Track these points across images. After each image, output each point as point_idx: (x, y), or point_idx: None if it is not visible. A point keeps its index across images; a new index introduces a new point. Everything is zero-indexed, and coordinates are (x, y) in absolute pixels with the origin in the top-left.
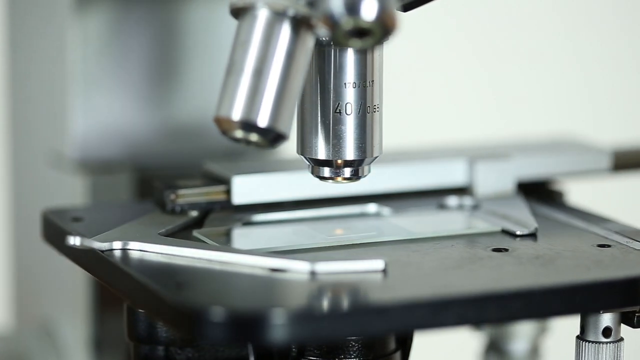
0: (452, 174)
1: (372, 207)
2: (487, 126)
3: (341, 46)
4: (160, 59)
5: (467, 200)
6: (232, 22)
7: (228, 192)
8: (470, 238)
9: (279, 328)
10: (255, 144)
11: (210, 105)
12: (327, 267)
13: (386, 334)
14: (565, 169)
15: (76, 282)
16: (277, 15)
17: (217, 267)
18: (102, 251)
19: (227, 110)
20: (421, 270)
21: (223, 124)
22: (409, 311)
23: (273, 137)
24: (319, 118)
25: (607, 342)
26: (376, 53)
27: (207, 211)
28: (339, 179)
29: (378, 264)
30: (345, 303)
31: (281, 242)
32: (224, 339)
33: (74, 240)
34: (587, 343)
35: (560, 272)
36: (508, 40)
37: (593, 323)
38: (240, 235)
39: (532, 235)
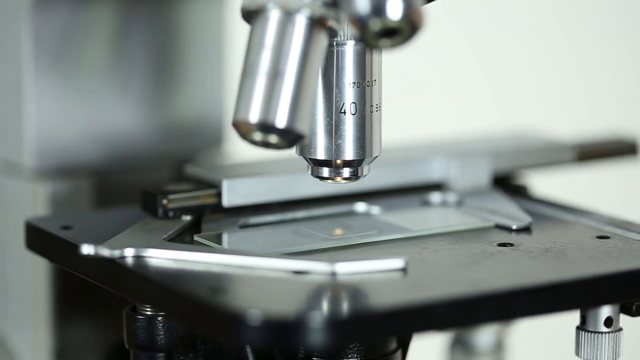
0: (427, 171)
1: (360, 206)
2: (439, 121)
3: (372, 47)
4: (114, 62)
5: (451, 197)
6: (180, 24)
7: (218, 195)
8: (469, 234)
9: (319, 331)
10: (275, 145)
11: (164, 110)
12: (350, 268)
13: (426, 333)
14: (534, 161)
15: (34, 290)
16: (291, 16)
17: (240, 271)
18: (114, 259)
19: (244, 113)
20: (441, 268)
21: (241, 128)
22: (450, 309)
23: (293, 137)
24: (323, 118)
25: (607, 332)
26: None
27: (198, 215)
28: (339, 179)
29: (398, 263)
30: (383, 303)
31: (288, 244)
32: (265, 342)
33: (89, 249)
34: (587, 333)
35: (578, 265)
36: (472, 37)
37: (593, 314)
38: (243, 238)
39: (527, 229)
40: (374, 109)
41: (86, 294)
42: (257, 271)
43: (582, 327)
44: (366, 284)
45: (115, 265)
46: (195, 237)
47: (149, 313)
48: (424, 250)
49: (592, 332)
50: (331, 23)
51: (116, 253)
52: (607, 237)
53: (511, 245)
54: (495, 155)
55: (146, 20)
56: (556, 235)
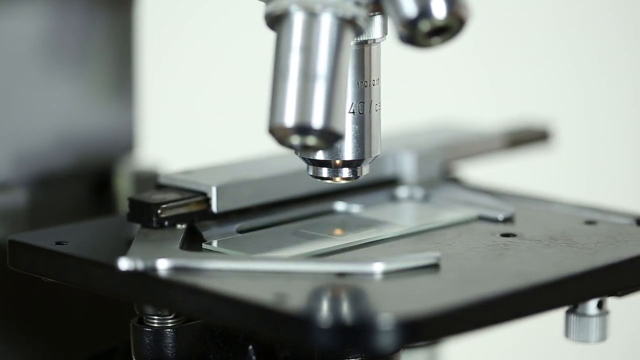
0: (381, 167)
1: (340, 205)
2: None
3: (423, 47)
4: (22, 70)
5: (417, 191)
6: (87, 29)
7: (206, 201)
8: (463, 227)
9: (391, 333)
10: (314, 147)
11: (74, 119)
12: (390, 266)
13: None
14: (470, 152)
15: None
16: (318, 17)
17: (284, 277)
18: (146, 272)
19: (279, 117)
20: (471, 261)
21: (278, 133)
22: (514, 302)
23: (331, 137)
24: None
25: (596, 315)
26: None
27: (189, 223)
28: (338, 179)
29: (433, 258)
30: (451, 301)
31: (302, 247)
32: (337, 345)
33: (128, 264)
34: (576, 316)
35: (597, 251)
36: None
37: None
38: (252, 243)
39: (510, 219)
40: (377, 108)
41: (24, 311)
42: (302, 276)
43: (572, 311)
44: (418, 282)
45: (151, 278)
46: (204, 245)
47: (156, 325)
48: (437, 245)
49: (581, 315)
50: (359, 22)
51: (148, 266)
52: (594, 222)
53: (514, 235)
54: (441, 148)
55: (49, 24)
56: (544, 223)
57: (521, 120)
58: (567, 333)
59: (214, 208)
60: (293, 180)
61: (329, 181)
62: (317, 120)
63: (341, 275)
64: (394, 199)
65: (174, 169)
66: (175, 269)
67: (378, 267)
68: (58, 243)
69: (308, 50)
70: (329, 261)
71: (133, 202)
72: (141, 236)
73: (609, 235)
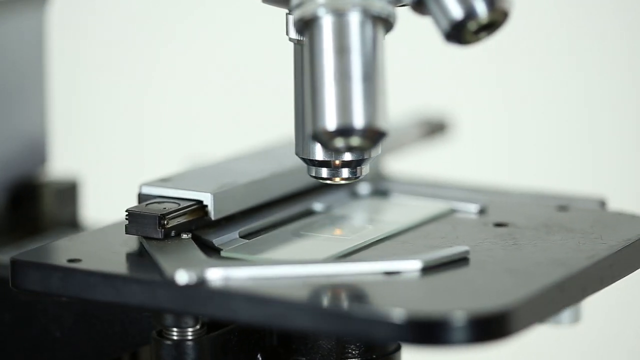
0: None
1: (318, 205)
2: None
3: (470, 43)
4: None
5: (379, 187)
6: None
7: (203, 209)
8: (450, 220)
9: (465, 329)
10: (359, 147)
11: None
12: (429, 262)
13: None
14: (396, 144)
15: None
16: (346, 17)
17: (336, 279)
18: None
19: (322, 122)
20: (495, 252)
21: (322, 137)
22: (564, 293)
23: (375, 136)
24: None
25: None
26: None
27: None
28: (337, 179)
29: (465, 251)
30: (520, 296)
31: (324, 249)
32: (410, 340)
33: (189, 277)
34: None
35: (602, 235)
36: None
37: None
38: (264, 247)
39: (484, 210)
40: None
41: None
42: (350, 277)
43: None
44: (464, 275)
45: (210, 290)
46: (222, 253)
47: (176, 338)
48: (443, 239)
49: None
50: (392, 19)
51: (196, 278)
52: (567, 208)
53: (506, 225)
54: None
55: None
56: (519, 212)
57: (413, 111)
58: None
59: (212, 215)
60: (272, 183)
61: (328, 181)
62: (358, 121)
63: (389, 274)
64: (356, 196)
65: (92, 180)
66: (225, 279)
67: (418, 264)
68: (70, 260)
69: (343, 51)
70: (371, 260)
71: (133, 215)
72: (156, 249)
73: (595, 220)
